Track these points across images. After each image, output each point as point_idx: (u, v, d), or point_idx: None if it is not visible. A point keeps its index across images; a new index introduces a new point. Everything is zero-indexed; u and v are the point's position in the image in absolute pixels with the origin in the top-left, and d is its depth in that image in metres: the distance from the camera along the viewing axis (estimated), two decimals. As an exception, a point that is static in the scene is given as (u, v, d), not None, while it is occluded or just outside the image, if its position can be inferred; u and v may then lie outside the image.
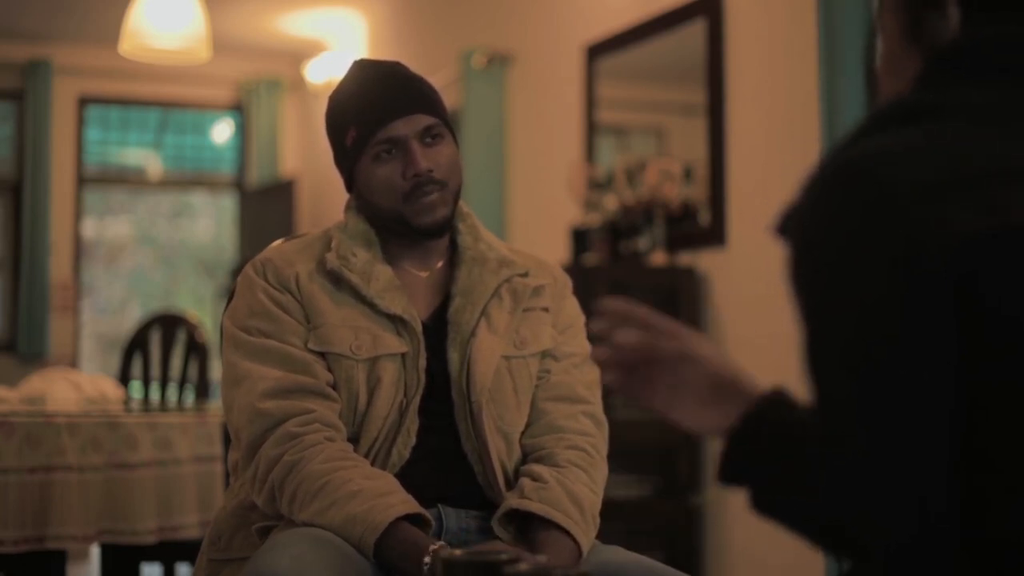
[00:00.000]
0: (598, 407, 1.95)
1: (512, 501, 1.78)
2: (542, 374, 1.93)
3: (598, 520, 1.85)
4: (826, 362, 0.98)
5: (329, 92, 1.91)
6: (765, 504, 1.04)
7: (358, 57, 1.98)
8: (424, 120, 1.85)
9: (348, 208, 1.94)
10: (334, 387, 1.82)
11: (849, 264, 0.96)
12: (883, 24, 1.15)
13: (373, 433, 1.81)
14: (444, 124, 1.89)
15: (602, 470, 1.90)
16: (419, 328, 1.85)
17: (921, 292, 0.93)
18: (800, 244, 1.00)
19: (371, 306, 1.85)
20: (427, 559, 1.62)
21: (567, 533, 1.76)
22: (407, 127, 1.84)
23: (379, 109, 1.85)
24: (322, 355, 1.83)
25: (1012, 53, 1.05)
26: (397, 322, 1.85)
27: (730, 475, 1.07)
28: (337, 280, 1.86)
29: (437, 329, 1.89)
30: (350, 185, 1.92)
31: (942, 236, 0.93)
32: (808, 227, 0.99)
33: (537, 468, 1.84)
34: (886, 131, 1.01)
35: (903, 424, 0.94)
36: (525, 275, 1.94)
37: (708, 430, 1.10)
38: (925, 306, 0.94)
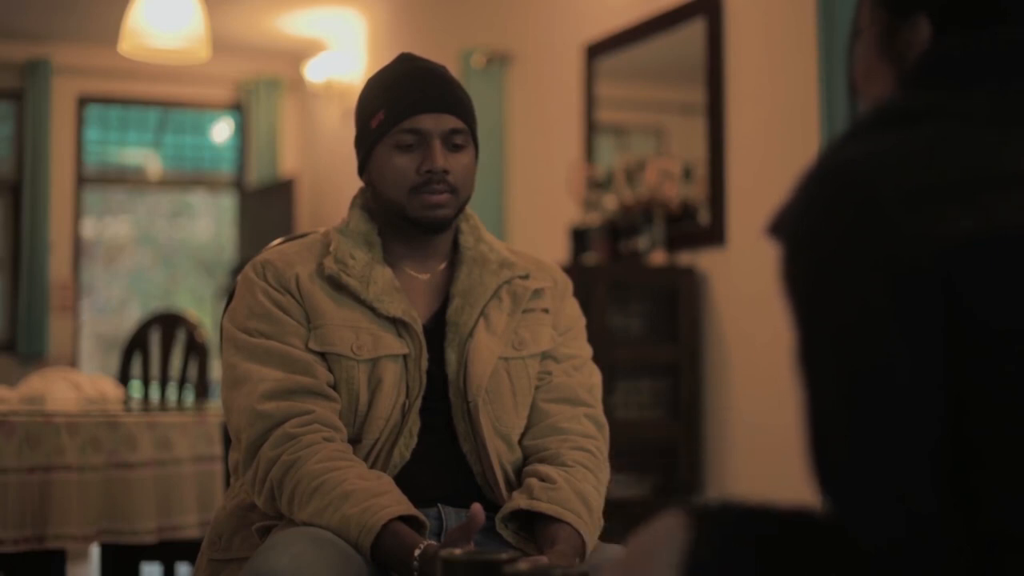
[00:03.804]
0: (599, 410, 1.95)
1: (521, 502, 1.78)
2: (542, 375, 1.93)
3: (602, 521, 1.86)
4: (815, 364, 0.99)
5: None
6: None
7: (405, 52, 1.96)
8: (453, 122, 1.85)
9: (353, 205, 1.94)
10: (334, 387, 1.82)
11: (838, 268, 0.97)
12: (861, 34, 1.18)
13: (375, 434, 1.81)
14: (471, 135, 1.89)
15: (605, 472, 1.91)
16: (420, 330, 1.85)
17: (908, 296, 0.95)
18: (791, 246, 1.01)
19: (371, 309, 1.85)
20: (417, 552, 1.62)
21: (575, 531, 1.77)
22: (435, 123, 1.84)
23: (412, 98, 1.85)
24: (322, 355, 1.83)
25: (986, 61, 1.07)
26: (398, 324, 1.84)
27: None
28: (336, 284, 1.86)
29: (437, 330, 1.88)
30: (362, 169, 1.92)
31: (929, 240, 0.95)
32: (799, 230, 1.01)
33: (544, 468, 1.83)
34: (874, 136, 1.03)
35: (891, 425, 0.95)
36: (525, 277, 1.94)
37: None
38: (912, 310, 0.95)
